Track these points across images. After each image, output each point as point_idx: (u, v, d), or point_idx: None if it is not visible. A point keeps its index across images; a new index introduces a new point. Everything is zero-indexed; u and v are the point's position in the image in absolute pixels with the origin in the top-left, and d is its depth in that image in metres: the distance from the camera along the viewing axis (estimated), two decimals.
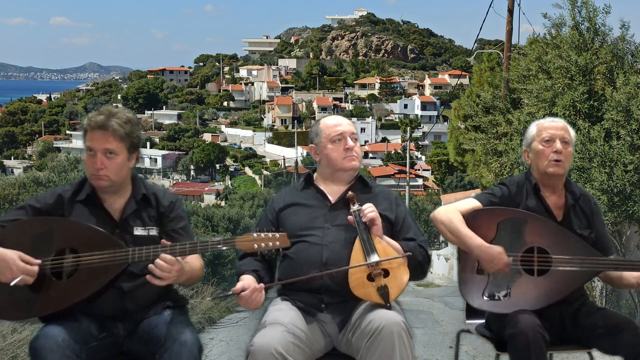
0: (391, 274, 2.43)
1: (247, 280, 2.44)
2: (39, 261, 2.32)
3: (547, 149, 2.71)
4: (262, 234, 2.36)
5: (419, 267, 2.57)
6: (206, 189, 56.74)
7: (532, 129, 2.81)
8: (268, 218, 2.71)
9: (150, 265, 2.30)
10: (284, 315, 2.45)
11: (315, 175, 2.79)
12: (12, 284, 2.26)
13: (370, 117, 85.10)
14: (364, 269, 2.43)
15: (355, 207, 2.55)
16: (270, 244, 2.35)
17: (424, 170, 61.58)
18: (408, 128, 48.44)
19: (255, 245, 2.35)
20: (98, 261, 2.34)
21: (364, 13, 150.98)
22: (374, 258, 2.43)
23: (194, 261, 2.52)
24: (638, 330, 2.49)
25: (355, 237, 2.50)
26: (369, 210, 2.51)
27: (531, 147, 2.79)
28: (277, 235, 2.37)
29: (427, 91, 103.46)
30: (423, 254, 2.59)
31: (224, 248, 2.39)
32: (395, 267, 2.44)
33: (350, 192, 2.61)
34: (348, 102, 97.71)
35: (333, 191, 2.69)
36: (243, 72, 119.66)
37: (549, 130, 2.73)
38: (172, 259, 2.30)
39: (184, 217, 2.63)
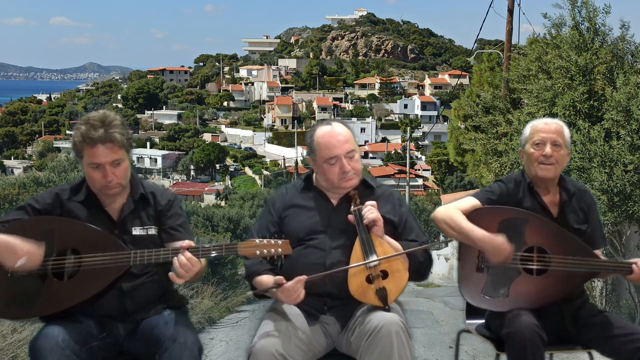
0: (390, 276, 2.42)
1: (276, 278, 2.40)
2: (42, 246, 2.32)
3: (536, 152, 2.73)
4: (265, 241, 2.36)
5: (420, 268, 2.56)
6: (206, 189, 56.68)
7: (527, 130, 2.82)
8: (272, 218, 2.65)
9: (175, 263, 2.31)
10: (285, 315, 2.44)
11: (315, 176, 2.71)
12: (16, 265, 2.26)
13: (370, 117, 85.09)
14: (363, 272, 2.42)
15: (355, 207, 2.52)
16: (273, 250, 2.35)
17: (424, 170, 61.52)
18: (408, 128, 48.53)
19: (258, 252, 2.34)
20: (100, 263, 2.35)
21: (364, 13, 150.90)
22: (373, 259, 2.41)
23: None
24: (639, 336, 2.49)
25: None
26: (370, 211, 2.48)
27: (524, 148, 2.80)
28: (280, 242, 2.36)
29: (427, 91, 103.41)
30: (424, 255, 2.58)
31: (227, 254, 2.39)
32: (394, 269, 2.43)
33: (352, 190, 2.58)
34: (348, 102, 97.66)
35: (335, 192, 2.64)
36: (243, 72, 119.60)
37: (540, 134, 2.74)
38: (195, 260, 2.33)
39: (182, 214, 2.63)
